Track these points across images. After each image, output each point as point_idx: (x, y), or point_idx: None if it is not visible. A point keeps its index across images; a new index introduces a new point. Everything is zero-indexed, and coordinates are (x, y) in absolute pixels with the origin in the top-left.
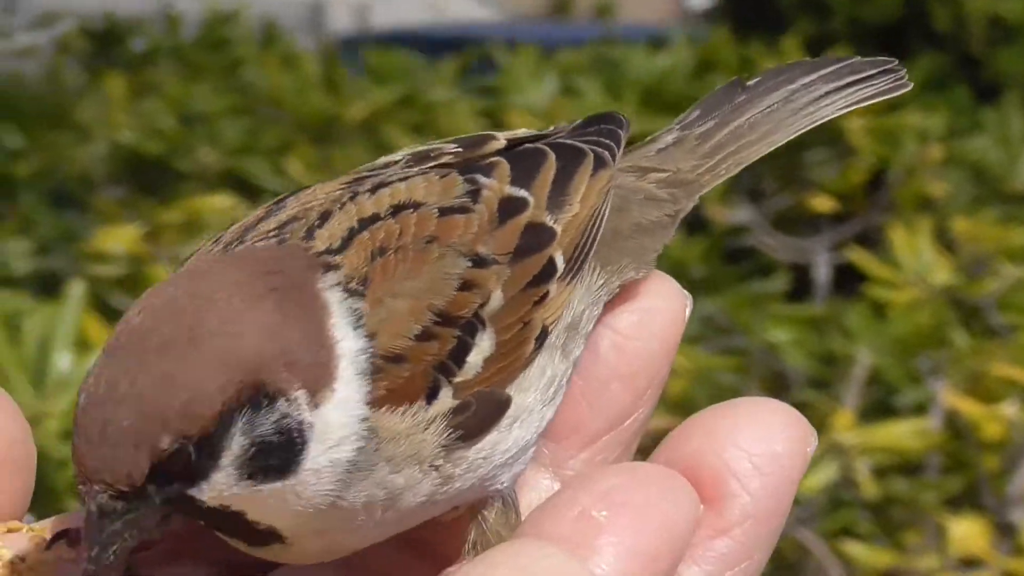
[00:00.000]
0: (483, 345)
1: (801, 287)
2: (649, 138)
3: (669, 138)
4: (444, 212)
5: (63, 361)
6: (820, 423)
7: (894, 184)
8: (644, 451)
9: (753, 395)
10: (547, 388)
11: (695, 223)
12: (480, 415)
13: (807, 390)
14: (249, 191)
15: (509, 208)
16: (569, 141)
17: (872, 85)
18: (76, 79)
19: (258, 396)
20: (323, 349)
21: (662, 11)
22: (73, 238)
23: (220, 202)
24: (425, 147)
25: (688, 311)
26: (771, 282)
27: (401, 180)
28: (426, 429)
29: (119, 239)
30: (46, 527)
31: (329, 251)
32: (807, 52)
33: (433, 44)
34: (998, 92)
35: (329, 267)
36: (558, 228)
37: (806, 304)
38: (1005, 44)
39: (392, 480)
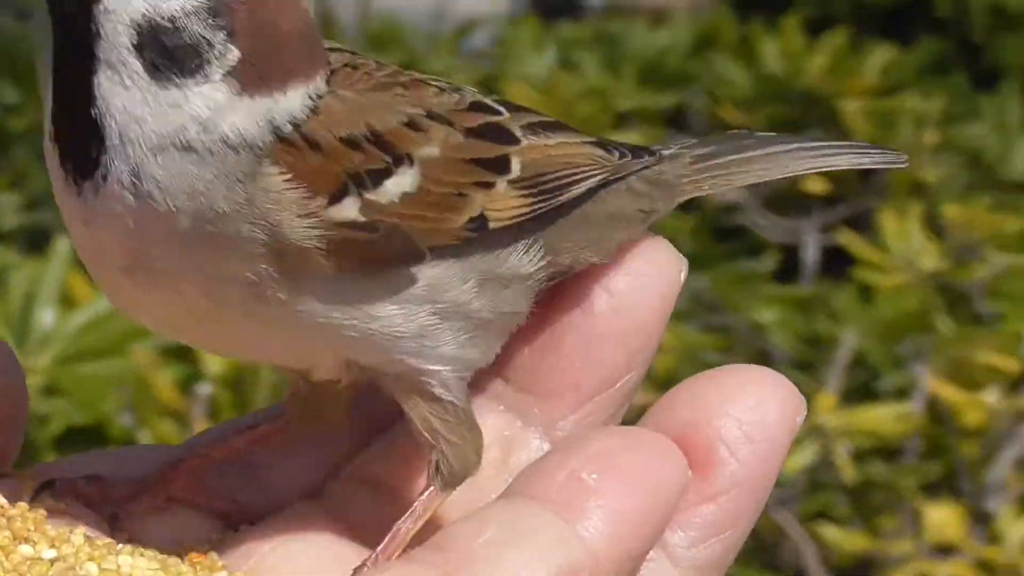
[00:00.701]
0: (404, 179)
1: (790, 268)
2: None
3: (665, 152)
4: (419, 82)
5: (47, 317)
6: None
7: (887, 168)
8: (629, 423)
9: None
10: (477, 290)
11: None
12: (384, 245)
13: (791, 371)
14: None
15: (482, 107)
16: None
17: (871, 157)
18: None
19: None
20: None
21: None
22: None
23: None
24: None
25: (683, 275)
26: (760, 262)
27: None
28: (321, 225)
29: None
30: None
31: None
32: (808, 33)
33: None
34: (997, 80)
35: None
36: (524, 141)
37: (794, 285)
38: (1006, 32)
39: (228, 221)
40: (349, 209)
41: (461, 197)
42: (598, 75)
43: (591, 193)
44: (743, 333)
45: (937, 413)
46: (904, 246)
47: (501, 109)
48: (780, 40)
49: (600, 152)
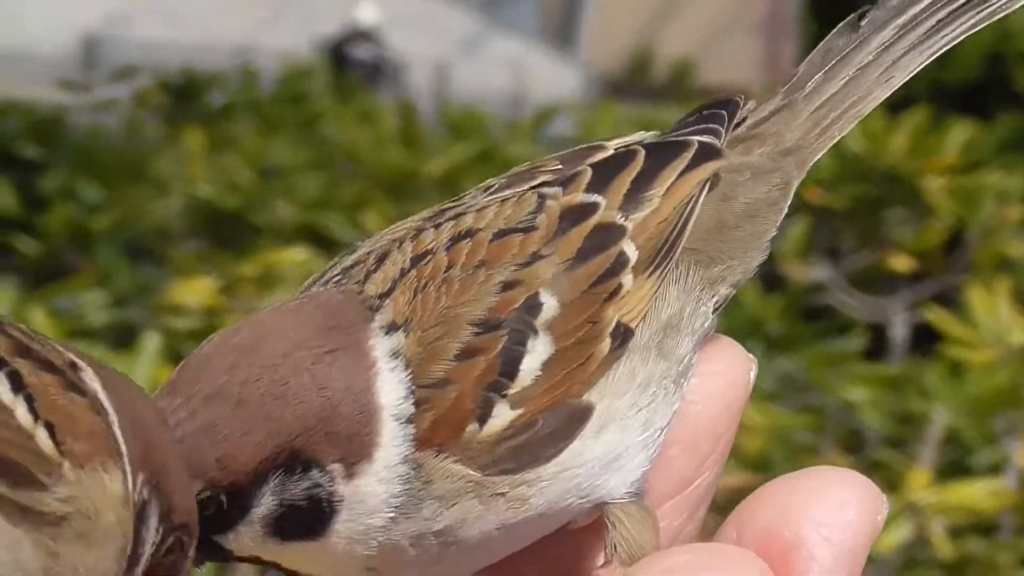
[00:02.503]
0: (538, 351)
1: (878, 346)
2: (753, 108)
3: (772, 106)
4: (498, 235)
5: None
6: (896, 482)
7: (973, 244)
8: (723, 510)
9: (829, 454)
10: (644, 390)
11: (773, 280)
12: (548, 430)
13: (883, 449)
14: (325, 245)
15: (576, 214)
16: (672, 138)
17: (988, 5)
18: (155, 133)
19: (294, 462)
20: (366, 415)
21: (747, 70)
22: (149, 291)
23: (296, 256)
24: (527, 166)
25: (753, 375)
26: (848, 340)
27: (476, 210)
28: (484, 453)
29: (195, 292)
30: None
31: (380, 295)
32: (888, 112)
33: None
34: None
35: (377, 314)
36: (629, 224)
37: (883, 363)
38: None
39: (445, 516)
40: (500, 416)
41: (595, 325)
42: None
43: (709, 199)
44: (834, 413)
45: None
46: (992, 321)
47: (596, 199)
48: (861, 120)
49: (711, 164)
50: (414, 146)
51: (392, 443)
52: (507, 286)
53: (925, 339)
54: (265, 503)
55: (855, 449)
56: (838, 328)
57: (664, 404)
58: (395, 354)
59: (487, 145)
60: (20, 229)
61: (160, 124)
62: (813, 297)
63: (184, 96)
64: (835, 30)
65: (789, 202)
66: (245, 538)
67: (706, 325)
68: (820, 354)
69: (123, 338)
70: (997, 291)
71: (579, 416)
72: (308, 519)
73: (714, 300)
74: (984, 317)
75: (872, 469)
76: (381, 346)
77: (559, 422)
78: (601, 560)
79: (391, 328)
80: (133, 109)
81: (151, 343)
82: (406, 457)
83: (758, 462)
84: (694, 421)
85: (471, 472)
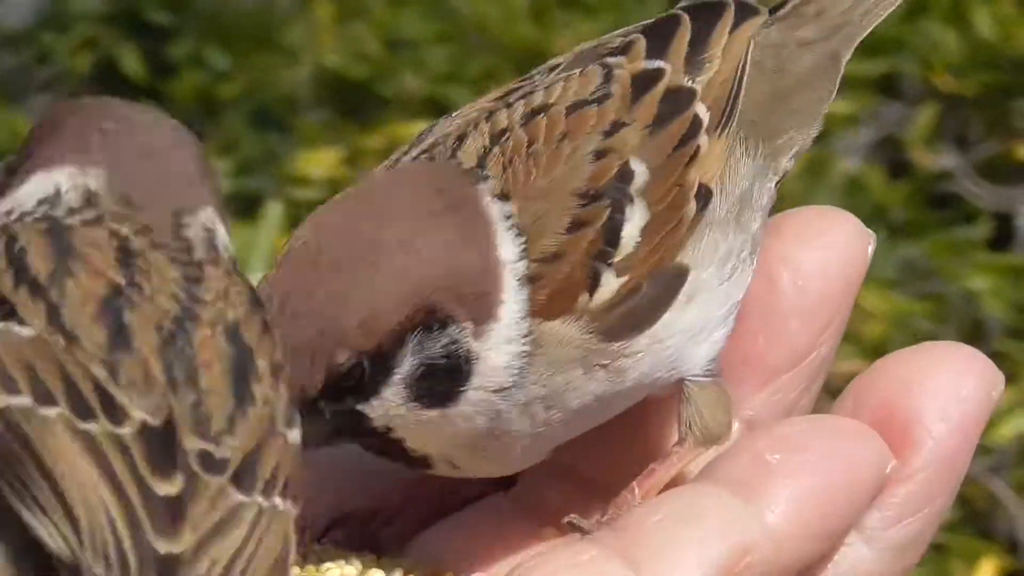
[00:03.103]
0: (636, 218)
1: (1004, 236)
2: None
3: None
4: (573, 107)
5: (258, 281)
6: (1017, 373)
7: None
8: (836, 395)
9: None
10: (724, 262)
11: (899, 167)
12: (651, 295)
13: (1005, 339)
14: None
15: (644, 81)
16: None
17: None
18: (285, 1)
19: (431, 319)
20: (490, 273)
21: None
22: (274, 160)
23: (421, 128)
24: (593, 43)
25: (871, 250)
26: (973, 229)
27: (544, 88)
28: (592, 322)
29: (319, 163)
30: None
31: (478, 166)
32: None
33: None
34: None
35: (481, 179)
36: (698, 87)
37: (1008, 253)
38: None
39: (554, 383)
40: (608, 284)
41: (681, 189)
42: None
43: (762, 71)
44: (956, 301)
45: None
46: None
47: (660, 64)
48: (993, 6)
49: (753, 20)
50: (544, 21)
51: (515, 304)
52: (599, 155)
53: None
54: (408, 363)
55: (976, 338)
56: (964, 216)
57: (741, 277)
58: (509, 217)
59: (619, 20)
60: (147, 96)
61: None
62: (939, 184)
63: None
64: None
65: (840, 75)
66: (387, 403)
67: (771, 199)
68: (944, 242)
69: (248, 207)
70: None
71: (677, 280)
72: (447, 379)
73: (776, 174)
74: None
75: (993, 359)
76: (495, 209)
77: (659, 287)
78: (675, 438)
79: (501, 196)
80: None
81: (274, 212)
82: (525, 322)
83: (878, 347)
84: (813, 294)
85: (580, 338)
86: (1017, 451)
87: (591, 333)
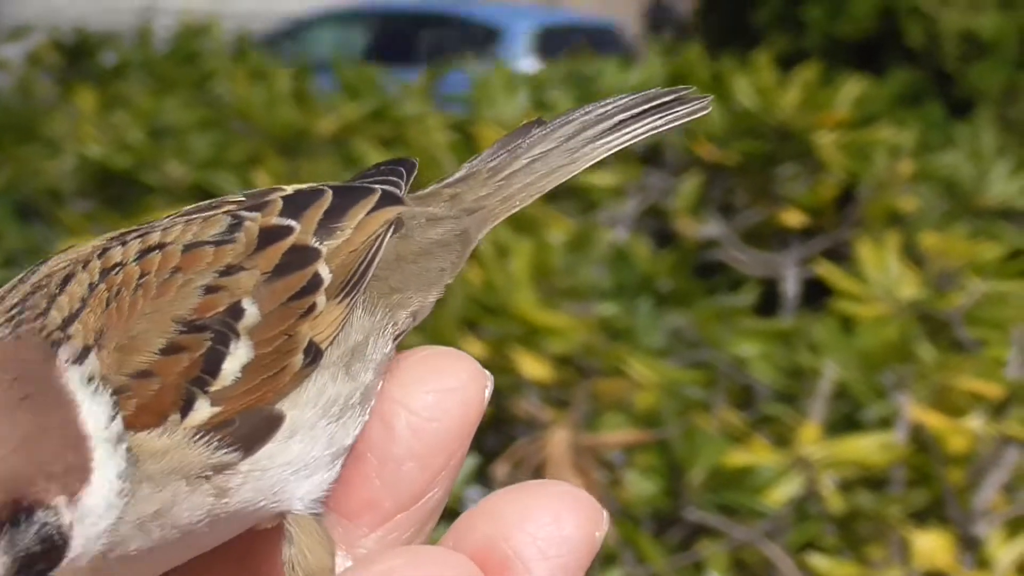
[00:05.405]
0: (239, 353)
1: (770, 301)
2: (438, 179)
3: (457, 175)
4: (190, 246)
5: None
6: (786, 437)
7: (864, 199)
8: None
9: (719, 410)
10: (330, 407)
11: (664, 237)
12: (246, 428)
13: (773, 404)
14: None
15: (272, 235)
16: (356, 184)
17: (671, 112)
18: (47, 92)
19: (17, 514)
20: (76, 444)
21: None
22: (39, 251)
23: None
24: (209, 202)
25: (488, 391)
26: (740, 296)
27: (163, 229)
28: (186, 442)
29: None
30: None
31: (65, 320)
32: (780, 68)
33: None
34: (971, 107)
35: (62, 346)
36: (324, 249)
37: (775, 318)
38: (978, 60)
39: (158, 497)
40: (201, 410)
41: (290, 339)
42: None
43: (394, 244)
44: (725, 368)
45: (921, 441)
46: (883, 276)
47: (291, 223)
48: (752, 76)
49: (393, 208)
50: (306, 105)
51: (109, 461)
52: (210, 289)
53: (816, 294)
54: (1, 562)
55: (746, 404)
56: (730, 284)
57: (350, 423)
58: (90, 379)
59: (380, 104)
60: None
61: (52, 84)
62: (705, 253)
63: (77, 55)
64: (522, 125)
65: (470, 249)
66: None
67: (387, 352)
68: (711, 310)
69: None
70: (887, 246)
71: (272, 422)
72: (46, 555)
73: (395, 329)
74: (874, 272)
75: (763, 424)
76: (74, 376)
77: (254, 425)
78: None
79: (82, 355)
80: (26, 68)
81: None
82: (122, 471)
83: (649, 417)
84: (429, 437)
85: (178, 451)
86: (791, 515)
87: (189, 447)
